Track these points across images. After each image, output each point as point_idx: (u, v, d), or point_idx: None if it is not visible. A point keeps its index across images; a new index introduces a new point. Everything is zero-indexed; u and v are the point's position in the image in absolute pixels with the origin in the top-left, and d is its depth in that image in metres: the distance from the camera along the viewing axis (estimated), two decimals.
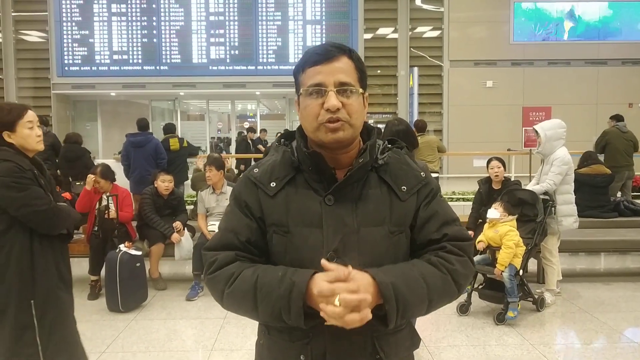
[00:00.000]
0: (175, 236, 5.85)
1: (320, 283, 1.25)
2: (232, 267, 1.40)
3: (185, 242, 5.94)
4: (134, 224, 6.15)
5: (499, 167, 5.76)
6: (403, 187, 1.47)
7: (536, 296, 5.19)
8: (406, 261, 1.45)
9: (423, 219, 1.48)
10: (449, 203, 6.29)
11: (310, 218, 1.41)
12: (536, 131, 5.44)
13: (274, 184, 1.46)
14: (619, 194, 8.69)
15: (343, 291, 1.22)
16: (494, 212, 4.99)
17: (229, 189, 6.01)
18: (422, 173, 1.53)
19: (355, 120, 1.40)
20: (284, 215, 1.43)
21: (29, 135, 2.77)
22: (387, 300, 1.28)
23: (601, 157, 8.35)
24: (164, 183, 6.08)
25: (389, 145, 1.57)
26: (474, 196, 9.94)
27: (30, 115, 2.80)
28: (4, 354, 2.68)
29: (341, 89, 1.39)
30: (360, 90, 1.44)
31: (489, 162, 5.89)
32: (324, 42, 1.50)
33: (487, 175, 5.90)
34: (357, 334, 1.35)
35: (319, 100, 1.39)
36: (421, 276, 1.36)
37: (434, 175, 8.12)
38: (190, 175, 8.89)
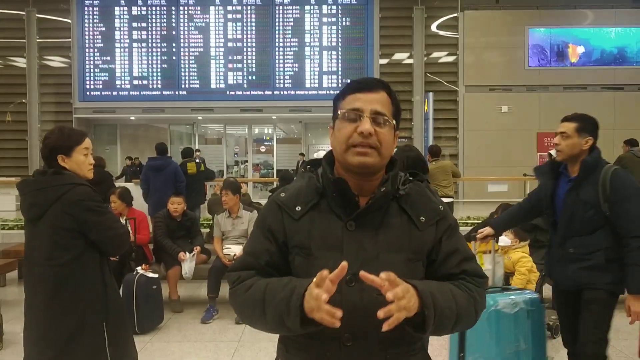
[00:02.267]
0: (181, 254, 5.89)
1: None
2: (250, 281, 1.50)
3: (187, 264, 5.93)
4: (151, 246, 6.22)
5: None
6: (422, 217, 1.54)
7: (551, 322, 5.16)
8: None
9: (444, 253, 1.55)
10: (464, 228, 6.40)
11: (332, 242, 1.48)
12: (551, 156, 5.45)
13: (299, 208, 1.53)
14: None
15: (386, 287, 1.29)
16: (505, 239, 4.99)
17: (245, 213, 6.09)
18: (440, 206, 1.59)
19: (384, 149, 1.49)
20: (307, 238, 1.50)
21: (83, 162, 2.78)
22: (427, 306, 1.35)
23: None
24: (172, 205, 6.15)
25: (411, 178, 1.63)
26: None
27: (87, 142, 2.82)
28: None
29: (376, 117, 1.47)
30: (394, 122, 1.53)
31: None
32: (368, 77, 1.63)
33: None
34: (374, 357, 1.45)
35: (354, 124, 1.47)
36: (451, 293, 1.45)
37: (448, 200, 8.20)
38: (207, 199, 8.99)
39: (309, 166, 1.67)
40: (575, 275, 3.16)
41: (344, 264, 1.30)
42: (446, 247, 1.54)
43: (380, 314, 1.27)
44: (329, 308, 1.27)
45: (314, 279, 1.32)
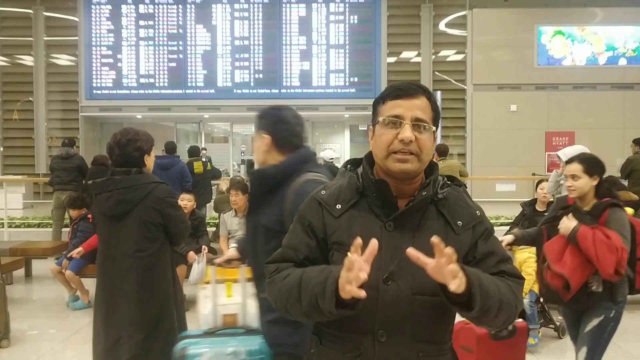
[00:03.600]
0: (191, 254, 5.87)
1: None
2: (287, 271, 1.57)
3: (197, 267, 5.89)
4: None
5: (542, 189, 5.75)
6: (459, 222, 1.58)
7: (558, 323, 5.12)
8: None
9: (482, 254, 1.59)
10: None
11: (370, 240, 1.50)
12: (559, 157, 5.41)
13: (339, 206, 1.58)
14: None
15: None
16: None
17: None
18: (477, 212, 1.64)
19: (424, 155, 1.53)
20: (346, 235, 1.53)
21: (153, 160, 3.22)
22: (473, 284, 1.38)
23: (624, 182, 8.23)
24: (182, 202, 6.13)
25: (449, 182, 1.66)
26: (496, 220, 9.86)
27: None
28: None
29: (417, 124, 1.52)
30: (433, 128, 1.56)
31: (538, 183, 5.98)
32: (408, 81, 1.64)
33: (530, 198, 5.94)
34: (406, 353, 1.49)
35: (395, 130, 1.51)
36: (494, 282, 1.49)
37: None
38: (213, 197, 8.98)
39: (349, 165, 1.72)
40: None
41: (374, 241, 1.36)
42: (483, 249, 1.59)
43: (421, 256, 1.36)
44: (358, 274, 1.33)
45: (345, 263, 1.37)
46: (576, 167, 3.43)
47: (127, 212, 3.00)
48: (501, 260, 1.58)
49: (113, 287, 3.04)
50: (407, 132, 1.48)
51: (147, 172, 3.15)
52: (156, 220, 3.04)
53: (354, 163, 1.71)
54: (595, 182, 3.45)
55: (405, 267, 1.48)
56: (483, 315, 1.43)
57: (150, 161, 3.16)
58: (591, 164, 3.46)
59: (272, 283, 1.57)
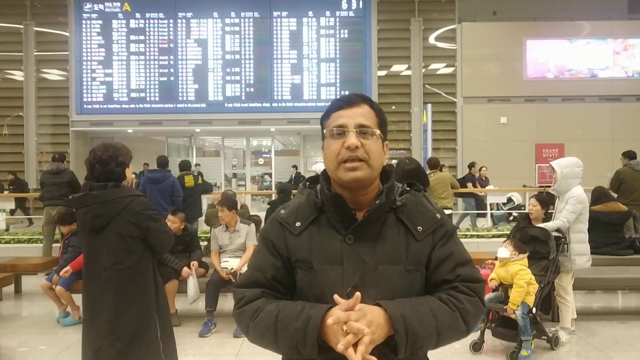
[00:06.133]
0: (185, 270, 5.85)
1: (335, 312, 1.35)
2: (257, 303, 1.51)
3: (192, 286, 5.87)
4: None
5: (534, 205, 5.69)
6: (419, 227, 1.55)
7: (550, 334, 5.13)
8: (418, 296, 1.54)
9: (438, 259, 1.55)
10: (463, 240, 6.31)
11: (332, 255, 1.51)
12: (552, 168, 5.42)
13: (299, 224, 1.56)
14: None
15: (352, 318, 1.33)
16: (504, 251, 4.96)
17: (242, 226, 6.05)
18: (437, 215, 1.60)
19: (373, 160, 1.51)
20: (308, 252, 1.53)
21: (131, 172, 3.28)
22: (397, 331, 1.36)
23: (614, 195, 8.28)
24: (169, 223, 6.07)
25: (407, 188, 1.65)
26: (488, 232, 9.90)
27: None
28: None
29: (361, 130, 1.51)
30: (379, 132, 1.55)
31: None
32: (351, 93, 1.64)
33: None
34: None
35: (341, 140, 1.50)
36: (430, 311, 1.44)
37: (447, 212, 8.16)
38: (204, 212, 8.97)
39: (308, 183, 1.70)
40: None
41: (358, 295, 1.35)
42: (440, 253, 1.55)
43: (340, 347, 1.31)
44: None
45: (335, 307, 1.37)
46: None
47: (104, 226, 3.06)
48: (459, 264, 1.55)
49: (94, 298, 3.10)
50: (352, 139, 1.48)
51: (125, 185, 3.21)
52: (133, 233, 3.08)
53: (312, 181, 1.70)
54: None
55: (368, 279, 1.47)
56: (417, 351, 1.43)
57: (129, 173, 3.23)
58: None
59: (241, 316, 1.53)
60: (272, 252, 1.57)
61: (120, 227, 3.06)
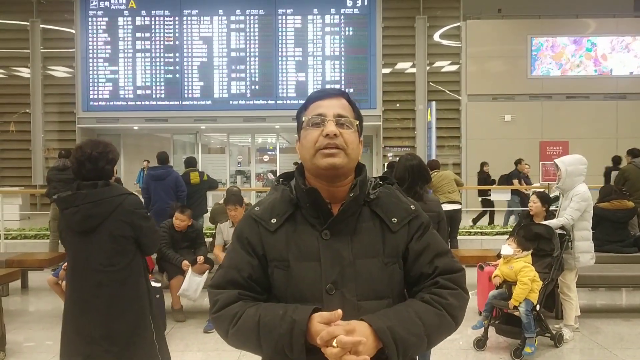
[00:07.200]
0: (184, 263, 5.87)
1: (318, 327, 1.33)
2: (235, 307, 1.48)
3: (192, 282, 5.88)
4: (154, 256, 6.21)
5: (534, 202, 5.70)
6: (394, 219, 1.56)
7: (554, 332, 5.15)
8: (401, 295, 1.55)
9: (415, 252, 1.55)
10: (467, 237, 6.33)
11: (309, 252, 1.49)
12: (557, 165, 5.42)
13: (274, 220, 1.54)
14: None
15: (340, 333, 1.29)
16: (508, 248, 4.98)
17: None
18: (412, 206, 1.61)
19: (351, 150, 1.52)
20: (284, 250, 1.51)
21: (116, 171, 3.17)
22: (387, 344, 1.35)
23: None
24: (176, 220, 6.12)
25: (380, 182, 1.65)
26: (491, 229, 9.91)
27: None
28: None
29: (339, 119, 1.52)
30: (357, 124, 1.56)
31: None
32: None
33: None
34: None
35: (319, 129, 1.51)
36: (416, 315, 1.43)
37: (456, 206, 8.17)
38: (209, 208, 8.99)
39: (281, 179, 1.69)
40: None
41: (339, 312, 1.32)
42: (417, 246, 1.55)
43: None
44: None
45: (316, 316, 1.35)
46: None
47: (95, 227, 2.93)
48: (436, 255, 1.55)
49: (82, 303, 2.95)
50: (331, 127, 1.48)
51: (116, 184, 3.10)
52: (126, 233, 2.97)
53: (286, 177, 1.69)
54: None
55: (347, 275, 1.46)
56: (412, 356, 1.43)
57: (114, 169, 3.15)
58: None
59: (218, 321, 1.50)
60: (248, 250, 1.54)
61: (113, 227, 2.94)
